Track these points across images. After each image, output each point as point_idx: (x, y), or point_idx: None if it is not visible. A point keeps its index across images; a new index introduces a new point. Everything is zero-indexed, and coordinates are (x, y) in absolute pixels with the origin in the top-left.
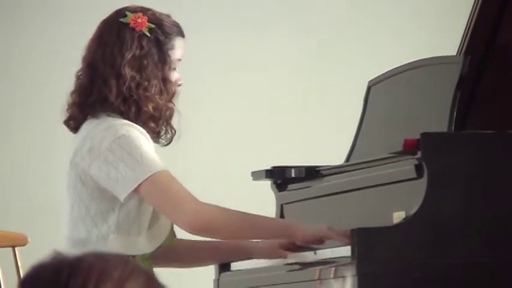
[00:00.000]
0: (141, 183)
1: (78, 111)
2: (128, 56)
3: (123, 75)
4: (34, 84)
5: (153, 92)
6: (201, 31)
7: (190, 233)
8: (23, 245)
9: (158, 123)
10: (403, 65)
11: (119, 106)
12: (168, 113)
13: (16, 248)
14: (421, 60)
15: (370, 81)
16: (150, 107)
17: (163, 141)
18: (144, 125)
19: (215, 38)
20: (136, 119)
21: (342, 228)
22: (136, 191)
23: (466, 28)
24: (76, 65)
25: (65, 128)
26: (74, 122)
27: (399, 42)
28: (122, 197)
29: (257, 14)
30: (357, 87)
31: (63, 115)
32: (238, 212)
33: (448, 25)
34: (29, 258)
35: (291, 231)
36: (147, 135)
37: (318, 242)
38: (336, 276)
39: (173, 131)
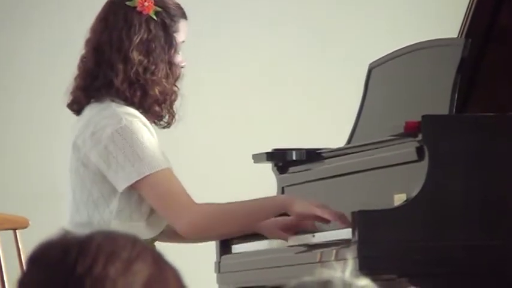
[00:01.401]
0: (139, 181)
1: (82, 95)
2: (136, 40)
3: (130, 59)
4: (36, 68)
5: (160, 75)
6: (202, 19)
7: (187, 238)
8: (24, 228)
9: (162, 107)
10: (403, 47)
11: (124, 91)
12: (173, 96)
13: (17, 231)
14: (421, 42)
15: (370, 64)
16: (157, 91)
17: (164, 124)
18: (148, 109)
19: (215, 25)
20: (140, 104)
21: (337, 211)
22: (133, 186)
23: (467, 10)
24: (77, 48)
25: (67, 112)
26: (77, 106)
27: (400, 26)
28: (120, 189)
29: (257, 2)
30: (358, 70)
31: (67, 98)
32: (231, 205)
33: (449, 7)
34: (30, 241)
35: (284, 207)
36: (151, 126)
37: (312, 217)
38: (337, 259)
39: (174, 114)
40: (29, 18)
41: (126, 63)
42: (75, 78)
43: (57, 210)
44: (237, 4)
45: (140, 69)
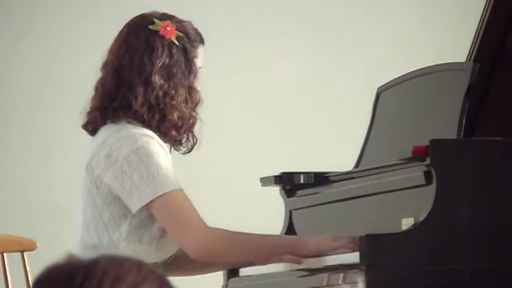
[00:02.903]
0: (153, 200)
1: (99, 115)
2: (159, 64)
3: (152, 83)
4: (43, 88)
5: (179, 100)
6: (206, 32)
7: (194, 259)
8: (32, 250)
9: (180, 132)
10: (412, 72)
11: (143, 114)
12: (191, 121)
13: (25, 253)
14: (430, 66)
15: (379, 88)
16: (175, 116)
17: (184, 149)
18: (166, 133)
19: (221, 41)
20: (158, 127)
21: (348, 235)
22: (147, 206)
23: (475, 35)
24: (85, 66)
25: (77, 133)
26: (93, 126)
27: (408, 49)
28: (133, 210)
29: (265, 15)
30: (367, 93)
31: (82, 119)
32: (243, 236)
33: (457, 32)
34: (37, 263)
35: (295, 248)
36: (166, 148)
37: (325, 254)
38: (344, 282)
39: (195, 140)
40: (28, 24)
41: (147, 86)
42: (93, 99)
43: (65, 232)
44: (243, 28)
45: (160, 94)
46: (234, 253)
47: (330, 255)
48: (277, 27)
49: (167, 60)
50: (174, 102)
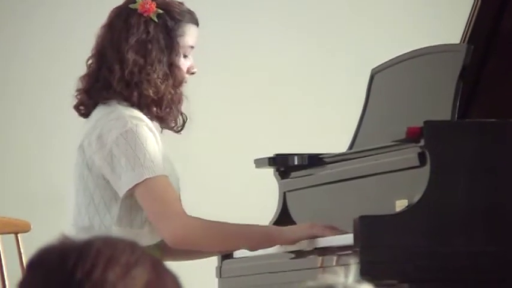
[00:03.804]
0: (138, 184)
1: (86, 97)
2: (132, 40)
3: (126, 59)
4: (37, 69)
5: (155, 76)
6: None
7: (171, 247)
8: (26, 232)
9: (161, 108)
10: (406, 53)
11: (121, 91)
12: (170, 98)
13: (19, 235)
14: (424, 48)
15: (373, 69)
16: (151, 91)
17: (175, 127)
18: (147, 109)
19: (216, 30)
20: (139, 104)
21: (324, 223)
22: (132, 190)
23: (469, 16)
24: (80, 50)
25: (69, 115)
26: (84, 108)
27: (402, 31)
28: (121, 193)
29: (259, 7)
30: (360, 75)
31: (73, 101)
32: (219, 225)
33: (451, 13)
34: (31, 245)
35: (273, 238)
36: (156, 132)
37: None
38: (338, 264)
39: (185, 118)
40: (29, 17)
41: (123, 63)
42: (79, 81)
43: (59, 213)
44: (240, 10)
45: (135, 69)
46: (209, 242)
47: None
48: (271, 16)
49: (143, 36)
50: (148, 78)
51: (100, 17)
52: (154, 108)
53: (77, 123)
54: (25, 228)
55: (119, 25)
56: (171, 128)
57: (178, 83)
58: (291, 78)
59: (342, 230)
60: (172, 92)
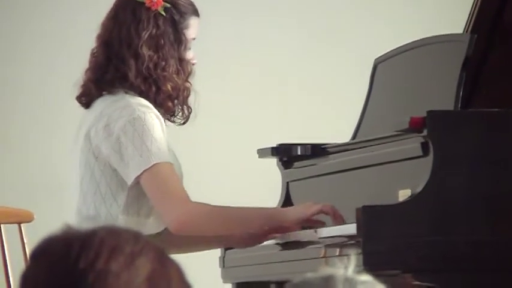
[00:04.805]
0: (145, 170)
1: (94, 87)
2: (145, 35)
3: (141, 55)
4: (38, 61)
5: (170, 71)
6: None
7: (174, 233)
8: (29, 222)
9: (175, 103)
10: (409, 43)
11: (139, 85)
12: (185, 92)
13: (22, 225)
14: (427, 38)
15: (376, 59)
16: (169, 87)
17: (180, 120)
18: (162, 104)
19: (217, 24)
20: (155, 99)
21: (328, 204)
22: (139, 177)
23: (472, 6)
24: (82, 43)
25: (70, 105)
26: (87, 98)
27: (405, 21)
28: (129, 181)
29: (260, 1)
30: (363, 65)
31: (76, 91)
32: (222, 209)
33: (454, 3)
34: (35, 235)
35: (275, 219)
36: (162, 120)
37: (308, 222)
38: (341, 254)
39: (190, 110)
40: (30, 12)
41: (137, 58)
42: (86, 72)
43: (61, 203)
44: (242, 5)
45: (151, 65)
46: (213, 227)
47: (325, 226)
48: (273, 4)
49: (154, 31)
50: (165, 73)
51: (100, 15)
52: (170, 103)
53: (78, 113)
54: (28, 218)
55: (127, 18)
56: (177, 121)
57: (188, 76)
58: (293, 70)
59: (340, 213)
60: (187, 85)
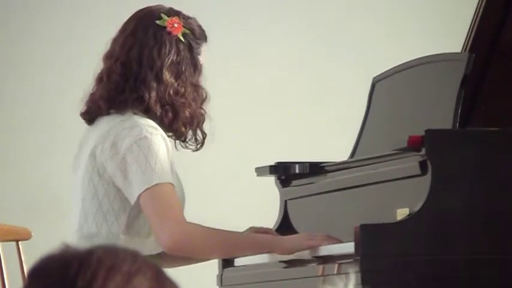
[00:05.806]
0: (146, 189)
1: (105, 105)
2: (168, 61)
3: (163, 80)
4: (41, 79)
5: (189, 98)
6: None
7: (167, 252)
8: (27, 240)
9: (190, 129)
10: (407, 62)
11: (156, 110)
12: (201, 118)
13: (20, 243)
14: (425, 57)
15: (374, 78)
16: (187, 113)
17: (193, 146)
18: (177, 130)
19: (218, 35)
20: (170, 124)
21: (321, 233)
22: (141, 194)
23: (470, 26)
24: (86, 59)
25: (71, 123)
26: (92, 115)
27: (403, 39)
28: (132, 200)
29: (260, 10)
30: (362, 84)
31: (82, 106)
32: (218, 232)
33: (453, 22)
34: (32, 252)
35: (269, 248)
36: (168, 142)
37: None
38: (339, 273)
39: (204, 135)
40: (29, 18)
41: (159, 83)
42: (96, 89)
43: (59, 220)
44: (242, 15)
45: (172, 91)
46: (207, 249)
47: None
48: (272, 19)
49: (175, 57)
50: (184, 100)
51: (99, 19)
52: (183, 129)
53: (77, 130)
54: (26, 236)
55: (149, 41)
56: (189, 147)
57: (203, 102)
58: (291, 86)
59: (340, 240)
60: (202, 112)
